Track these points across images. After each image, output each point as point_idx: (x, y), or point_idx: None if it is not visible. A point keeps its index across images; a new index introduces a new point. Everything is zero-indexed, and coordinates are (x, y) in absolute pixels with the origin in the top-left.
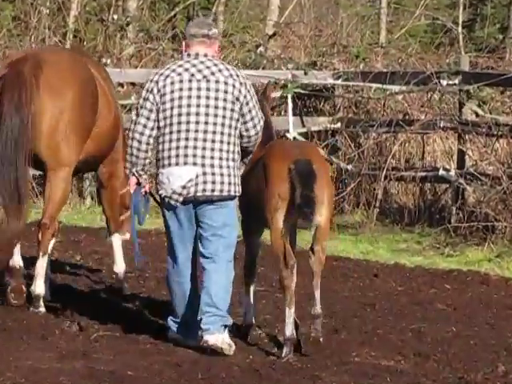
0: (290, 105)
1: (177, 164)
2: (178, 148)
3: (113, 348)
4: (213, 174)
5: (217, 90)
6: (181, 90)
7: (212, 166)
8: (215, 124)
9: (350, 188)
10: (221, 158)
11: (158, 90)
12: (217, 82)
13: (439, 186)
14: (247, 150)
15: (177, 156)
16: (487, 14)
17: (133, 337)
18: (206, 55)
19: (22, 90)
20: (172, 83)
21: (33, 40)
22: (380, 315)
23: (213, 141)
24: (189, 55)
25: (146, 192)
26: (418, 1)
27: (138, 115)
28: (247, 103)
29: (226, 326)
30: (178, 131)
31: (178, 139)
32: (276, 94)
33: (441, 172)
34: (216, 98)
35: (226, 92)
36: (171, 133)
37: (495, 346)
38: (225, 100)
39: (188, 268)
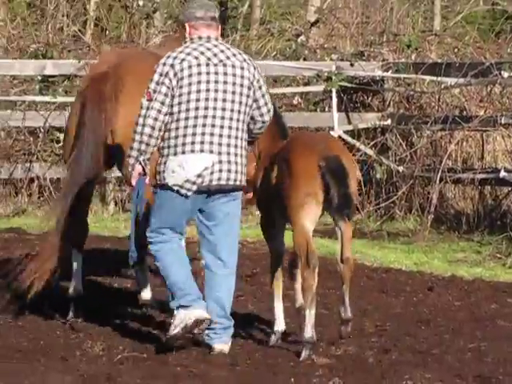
0: (335, 100)
1: (192, 151)
2: (194, 134)
3: (140, 371)
4: (228, 162)
5: (234, 75)
6: (199, 74)
7: (228, 153)
8: (232, 110)
9: (401, 192)
10: (236, 146)
11: (175, 74)
12: (233, 66)
13: (501, 189)
14: (255, 137)
15: (193, 143)
16: None
17: (162, 358)
18: (216, 38)
19: (102, 109)
20: (190, 67)
21: (50, 29)
22: (435, 333)
23: (229, 127)
24: (200, 38)
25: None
26: None
27: (150, 100)
28: (260, 87)
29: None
30: (195, 117)
31: (195, 125)
32: (319, 88)
33: (502, 173)
34: (233, 84)
35: (242, 77)
36: (187, 119)
37: None
38: (241, 85)
39: (177, 234)
